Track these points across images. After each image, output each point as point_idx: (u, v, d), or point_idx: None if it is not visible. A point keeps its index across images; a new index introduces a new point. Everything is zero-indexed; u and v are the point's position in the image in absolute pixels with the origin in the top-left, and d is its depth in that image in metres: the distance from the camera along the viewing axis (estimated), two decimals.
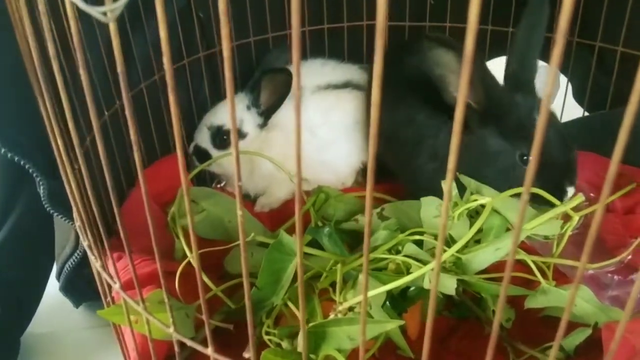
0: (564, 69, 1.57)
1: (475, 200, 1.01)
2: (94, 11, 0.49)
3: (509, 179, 1.08)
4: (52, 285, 1.27)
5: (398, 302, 0.99)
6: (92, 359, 1.23)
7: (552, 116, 1.13)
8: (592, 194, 1.26)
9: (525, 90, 1.10)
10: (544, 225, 0.98)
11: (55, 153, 0.73)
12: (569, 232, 1.02)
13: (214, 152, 1.42)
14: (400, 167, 1.35)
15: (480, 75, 1.06)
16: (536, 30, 1.12)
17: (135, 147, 0.57)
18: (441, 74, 1.06)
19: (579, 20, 1.46)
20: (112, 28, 0.51)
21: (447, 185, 0.45)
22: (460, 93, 0.42)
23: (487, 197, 1.01)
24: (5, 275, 1.18)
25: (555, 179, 1.08)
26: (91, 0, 0.49)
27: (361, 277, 0.93)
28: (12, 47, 0.70)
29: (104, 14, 0.49)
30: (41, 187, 0.99)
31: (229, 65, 0.46)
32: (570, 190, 1.08)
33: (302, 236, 0.52)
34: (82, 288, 1.23)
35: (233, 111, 0.48)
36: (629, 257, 1.04)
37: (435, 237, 1.03)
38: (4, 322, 1.15)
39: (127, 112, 0.55)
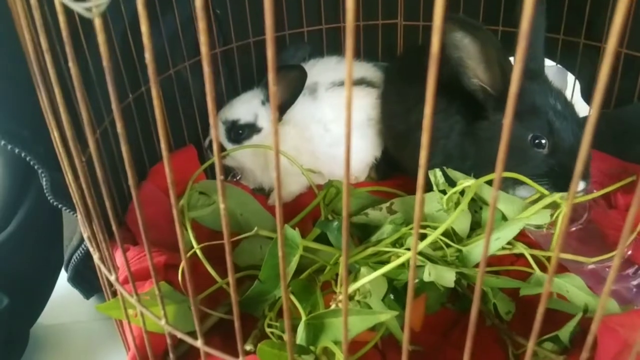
0: (571, 68, 1.58)
1: (461, 184, 1.03)
2: (79, 7, 0.49)
3: (521, 162, 1.08)
4: (63, 277, 1.28)
5: (401, 295, 1.00)
6: (101, 350, 1.24)
7: (570, 106, 1.14)
8: (595, 190, 1.26)
9: (539, 79, 1.12)
10: (536, 215, 0.99)
11: (55, 147, 0.74)
12: (560, 222, 1.03)
13: (229, 146, 1.44)
14: (415, 167, 1.35)
15: (499, 61, 1.07)
16: (539, 21, 1.14)
17: (124, 146, 0.57)
18: (460, 56, 1.07)
19: (585, 22, 1.47)
20: (98, 24, 0.51)
21: (420, 177, 0.46)
22: (428, 92, 0.42)
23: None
24: (16, 268, 1.19)
25: (566, 165, 1.08)
26: None
27: (363, 270, 0.94)
28: (13, 39, 0.71)
29: (89, 9, 0.50)
30: (44, 179, 1.00)
31: (210, 83, 0.46)
32: (580, 183, 1.08)
33: (282, 236, 0.52)
34: (91, 279, 1.24)
35: (215, 125, 0.49)
36: (629, 252, 1.04)
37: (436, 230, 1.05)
38: (15, 313, 1.16)
39: (115, 112, 0.55)
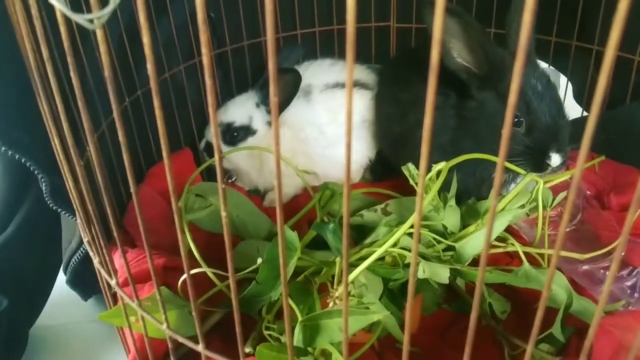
0: (564, 70, 1.59)
1: (435, 168, 1.04)
2: (81, 19, 0.50)
3: (500, 140, 1.09)
4: (61, 278, 1.28)
5: (397, 297, 1.00)
6: (100, 351, 1.25)
7: (551, 87, 1.17)
8: (588, 192, 1.27)
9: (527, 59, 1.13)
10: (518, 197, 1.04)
11: (56, 153, 0.75)
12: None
13: (224, 149, 1.44)
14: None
15: (481, 41, 1.10)
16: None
17: (126, 154, 0.58)
18: (444, 38, 1.09)
19: (577, 24, 1.48)
20: (100, 35, 0.52)
21: (420, 185, 0.46)
22: (429, 100, 0.43)
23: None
24: (15, 269, 1.19)
25: (541, 142, 1.11)
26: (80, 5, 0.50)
27: (357, 270, 0.95)
28: (13, 47, 0.71)
29: (91, 21, 0.50)
30: (43, 184, 1.00)
31: (212, 94, 0.47)
32: (555, 158, 1.11)
33: (284, 240, 0.53)
34: (90, 281, 1.23)
35: (216, 134, 0.50)
36: (623, 253, 1.05)
37: (429, 228, 1.06)
38: (13, 314, 1.17)
39: (116, 120, 0.56)
